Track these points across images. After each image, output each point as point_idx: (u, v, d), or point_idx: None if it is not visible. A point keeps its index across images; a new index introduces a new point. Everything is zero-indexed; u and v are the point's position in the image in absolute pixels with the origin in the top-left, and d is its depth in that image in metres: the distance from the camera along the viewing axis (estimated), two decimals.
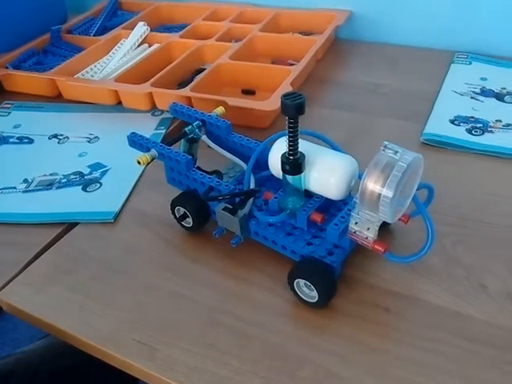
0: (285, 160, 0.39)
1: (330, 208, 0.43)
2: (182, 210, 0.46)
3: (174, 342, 0.38)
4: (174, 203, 0.46)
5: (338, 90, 0.68)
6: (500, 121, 0.57)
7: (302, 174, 0.40)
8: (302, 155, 0.39)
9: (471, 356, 0.35)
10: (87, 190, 0.53)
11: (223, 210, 0.42)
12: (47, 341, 0.58)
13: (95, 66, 0.74)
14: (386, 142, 0.34)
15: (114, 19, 0.88)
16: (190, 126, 0.47)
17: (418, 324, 0.38)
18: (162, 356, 0.37)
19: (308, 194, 0.42)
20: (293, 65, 0.69)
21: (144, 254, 0.46)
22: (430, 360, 0.35)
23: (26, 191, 0.54)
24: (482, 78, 0.66)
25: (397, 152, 0.34)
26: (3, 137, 0.64)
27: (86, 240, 0.48)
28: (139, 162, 0.43)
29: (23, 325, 1.39)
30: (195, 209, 0.45)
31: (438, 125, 0.57)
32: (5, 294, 0.43)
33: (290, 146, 0.38)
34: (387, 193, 0.33)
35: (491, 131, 0.56)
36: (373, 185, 0.34)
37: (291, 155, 0.39)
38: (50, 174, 0.56)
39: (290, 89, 0.61)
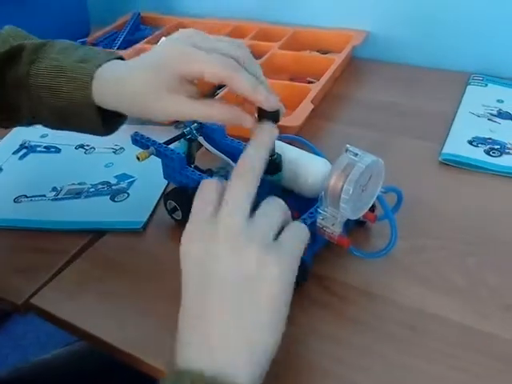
0: None
1: (306, 206, 0.45)
2: (173, 203, 0.50)
3: None
4: (166, 197, 0.51)
5: (355, 108, 0.70)
6: None
7: (280, 172, 0.45)
8: (279, 156, 0.45)
9: (496, 374, 0.36)
10: (115, 199, 0.55)
11: None
12: (71, 348, 0.59)
13: None
14: (348, 146, 0.38)
15: (136, 33, 0.90)
16: (188, 128, 0.51)
17: (442, 341, 0.39)
18: None
19: (287, 193, 0.47)
20: (311, 82, 0.71)
21: (173, 263, 0.47)
22: (454, 376, 0.36)
23: (56, 199, 0.55)
24: (499, 100, 0.67)
25: (357, 154, 0.38)
26: (31, 146, 0.66)
27: (115, 249, 0.49)
28: (138, 158, 0.49)
29: (32, 332, 1.41)
30: (184, 203, 0.48)
31: (457, 145, 0.59)
32: (37, 299, 0.44)
33: None
34: (346, 190, 0.37)
35: (509, 153, 0.57)
36: (334, 183, 0.38)
37: (270, 155, 0.42)
38: (79, 183, 0.58)
39: (311, 106, 0.63)
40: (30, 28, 0.81)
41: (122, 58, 0.46)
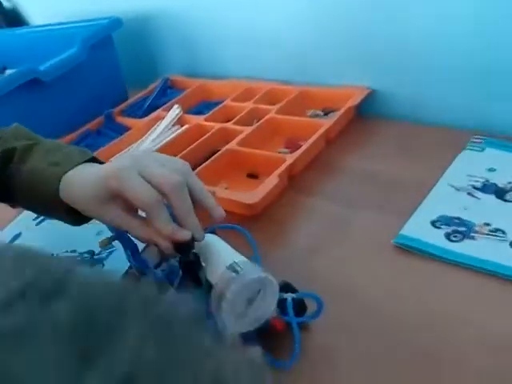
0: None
1: None
2: None
3: None
4: None
5: (335, 179, 0.68)
6: (488, 224, 0.53)
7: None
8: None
9: None
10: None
11: None
12: None
13: (131, 148, 0.84)
14: (233, 261, 0.40)
15: (162, 98, 0.99)
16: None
17: None
18: None
19: None
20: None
21: None
22: None
23: None
24: (490, 169, 0.61)
25: (237, 272, 0.39)
26: None
27: None
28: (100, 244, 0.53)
29: None
30: None
31: (417, 226, 0.55)
32: None
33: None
34: (224, 309, 0.39)
35: (473, 237, 0.52)
36: (215, 300, 0.39)
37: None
38: (71, 251, 0.66)
39: (276, 180, 0.64)
40: (72, 96, 0.93)
41: (93, 158, 0.52)
